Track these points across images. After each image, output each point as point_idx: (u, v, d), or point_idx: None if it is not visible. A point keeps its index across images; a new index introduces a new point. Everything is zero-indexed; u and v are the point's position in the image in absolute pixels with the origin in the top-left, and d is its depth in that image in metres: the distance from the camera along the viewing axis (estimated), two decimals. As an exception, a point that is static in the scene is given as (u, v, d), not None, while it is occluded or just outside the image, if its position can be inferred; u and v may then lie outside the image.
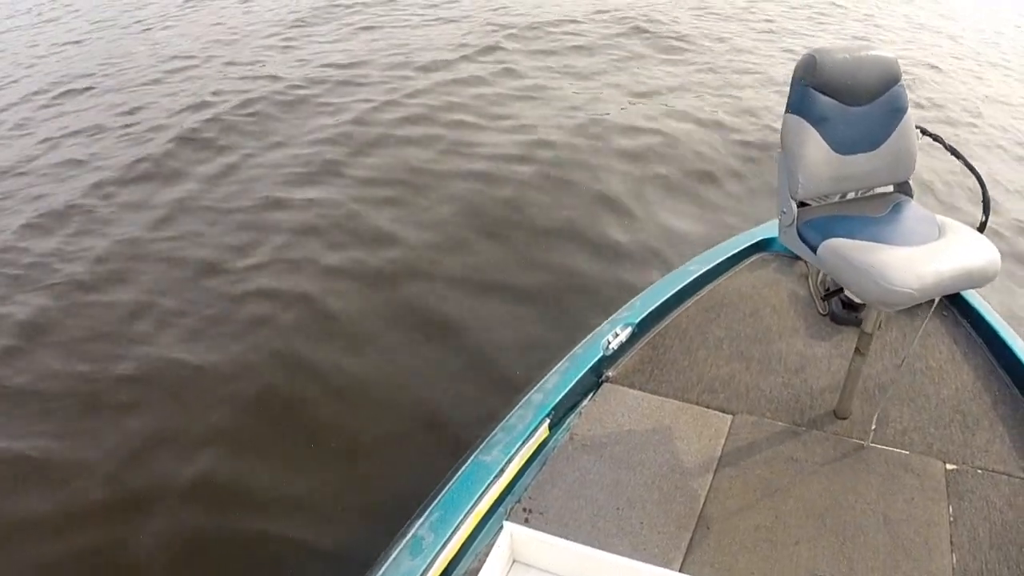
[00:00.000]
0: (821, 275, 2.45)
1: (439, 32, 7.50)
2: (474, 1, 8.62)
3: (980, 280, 1.66)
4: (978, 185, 2.27)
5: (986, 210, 2.23)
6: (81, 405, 2.79)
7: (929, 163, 4.44)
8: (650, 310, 2.33)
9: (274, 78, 6.14)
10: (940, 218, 1.80)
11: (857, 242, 1.66)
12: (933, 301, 1.72)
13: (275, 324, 3.19)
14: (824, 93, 1.75)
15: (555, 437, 2.01)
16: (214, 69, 6.60)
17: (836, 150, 1.78)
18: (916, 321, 2.40)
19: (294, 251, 3.74)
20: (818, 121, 1.75)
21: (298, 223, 3.98)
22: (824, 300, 2.26)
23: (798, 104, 1.76)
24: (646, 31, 7.44)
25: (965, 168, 2.28)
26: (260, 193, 4.30)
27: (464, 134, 4.98)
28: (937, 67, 6.97)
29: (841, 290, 2.21)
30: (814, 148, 1.75)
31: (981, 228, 2.26)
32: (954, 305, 2.46)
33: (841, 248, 1.67)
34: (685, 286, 2.45)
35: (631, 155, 4.71)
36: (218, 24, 8.31)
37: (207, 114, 5.42)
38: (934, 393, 2.16)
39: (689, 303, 2.48)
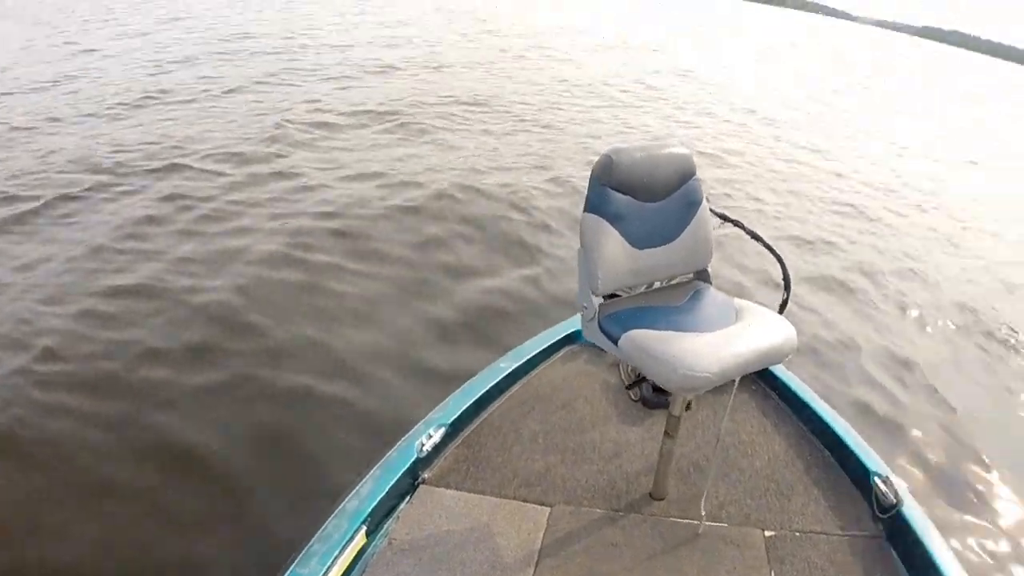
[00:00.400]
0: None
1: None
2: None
3: (777, 357, 1.70)
4: (779, 265, 2.42)
5: (787, 287, 2.37)
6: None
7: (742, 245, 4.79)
8: (463, 408, 2.23)
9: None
10: (737, 301, 1.87)
11: (657, 332, 1.66)
12: (735, 380, 1.74)
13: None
14: (621, 191, 1.79)
15: (373, 544, 1.83)
16: None
17: (634, 245, 1.81)
18: (724, 398, 2.45)
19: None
20: (615, 219, 1.78)
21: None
22: (632, 387, 2.24)
23: (596, 203, 1.78)
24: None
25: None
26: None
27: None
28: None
29: (645, 378, 2.21)
30: (612, 245, 1.78)
31: (783, 304, 2.40)
32: (762, 379, 2.54)
33: (641, 339, 1.66)
34: (498, 382, 2.37)
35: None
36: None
37: None
38: (748, 465, 2.16)
39: (502, 399, 2.40)
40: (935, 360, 4.18)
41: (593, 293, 1.78)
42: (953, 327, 4.69)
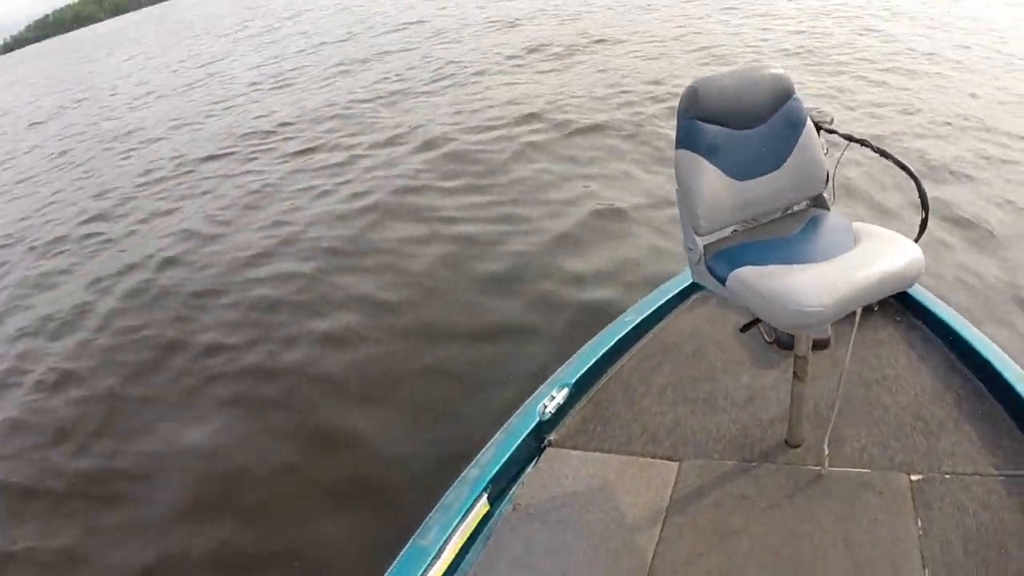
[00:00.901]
0: None
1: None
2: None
3: (901, 283, 1.55)
4: (912, 182, 2.23)
5: (924, 206, 2.15)
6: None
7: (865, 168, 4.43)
8: (588, 366, 2.24)
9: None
10: (857, 225, 1.72)
11: (765, 267, 1.57)
12: (856, 312, 1.61)
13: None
14: (711, 122, 1.70)
15: (498, 510, 1.89)
16: None
17: (735, 177, 1.71)
18: (865, 331, 2.31)
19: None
20: (709, 152, 1.69)
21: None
22: (746, 329, 2.10)
23: (686, 138, 1.70)
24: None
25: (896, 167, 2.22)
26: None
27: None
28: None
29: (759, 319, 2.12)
30: (710, 180, 1.69)
31: (922, 226, 2.20)
32: (908, 308, 2.36)
33: (748, 277, 1.57)
34: (623, 337, 2.36)
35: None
36: None
37: None
38: (892, 403, 2.02)
39: (630, 353, 2.39)
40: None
41: (696, 233, 1.71)
42: None
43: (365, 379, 3.46)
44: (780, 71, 1.79)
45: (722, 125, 1.72)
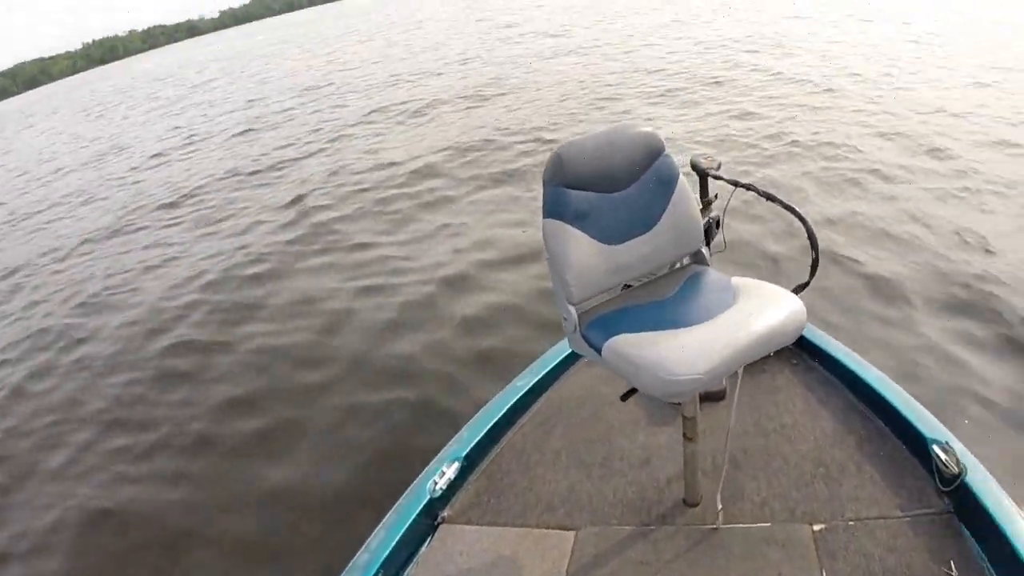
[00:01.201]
0: None
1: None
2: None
3: (782, 339, 1.47)
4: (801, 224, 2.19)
5: (814, 245, 2.11)
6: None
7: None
8: (479, 438, 2.12)
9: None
10: (736, 281, 1.65)
11: (640, 335, 1.49)
12: (738, 372, 1.53)
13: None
14: (578, 188, 1.62)
15: None
16: None
17: (606, 242, 1.63)
18: (766, 377, 2.25)
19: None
20: (577, 218, 1.60)
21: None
22: (626, 398, 1.91)
23: (552, 206, 1.61)
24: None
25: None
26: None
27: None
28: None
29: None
30: (580, 248, 1.60)
31: (814, 265, 2.16)
32: (803, 350, 2.31)
33: (622, 346, 1.48)
34: (515, 404, 2.25)
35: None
36: None
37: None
38: (792, 452, 1.95)
39: (522, 420, 2.27)
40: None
41: (570, 302, 1.62)
42: None
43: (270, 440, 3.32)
44: (648, 129, 1.73)
45: (589, 190, 1.63)
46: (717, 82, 9.03)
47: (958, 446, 1.73)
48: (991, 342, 3.19)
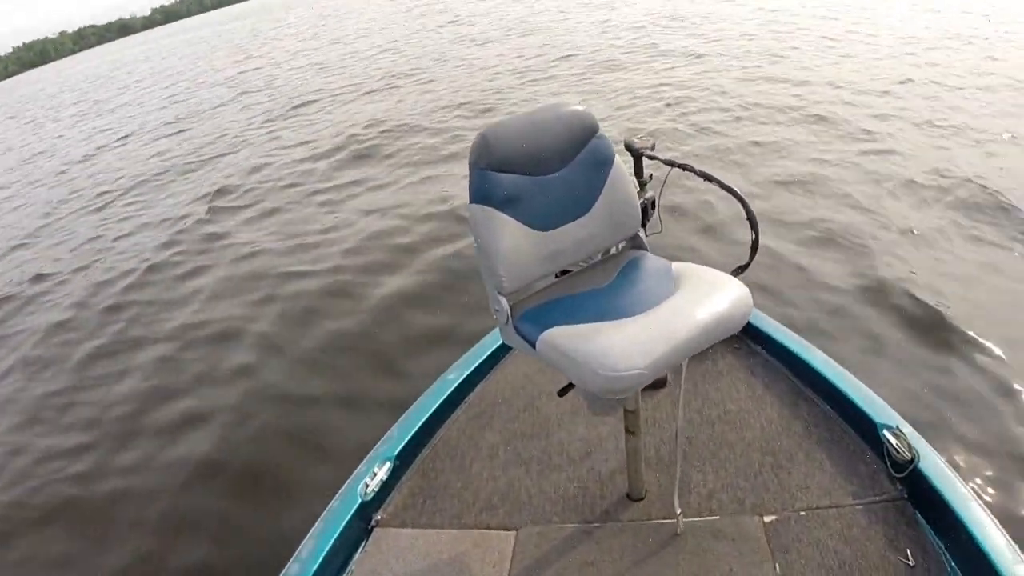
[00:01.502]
0: None
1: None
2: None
3: (728, 327, 1.36)
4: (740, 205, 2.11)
5: (753, 226, 2.02)
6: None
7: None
8: (411, 435, 1.98)
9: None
10: (677, 267, 1.54)
11: (576, 327, 1.37)
12: (683, 363, 1.45)
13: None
14: (506, 171, 1.49)
15: None
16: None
17: (538, 228, 1.51)
18: (707, 365, 2.16)
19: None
20: (506, 203, 1.47)
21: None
22: (563, 393, 1.77)
23: (479, 191, 1.48)
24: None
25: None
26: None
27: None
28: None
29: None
30: (510, 234, 1.47)
31: (754, 246, 2.08)
32: (745, 334, 2.23)
33: (557, 339, 1.36)
34: (447, 398, 2.11)
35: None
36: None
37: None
38: (738, 440, 1.86)
39: (456, 415, 2.14)
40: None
41: (500, 293, 1.48)
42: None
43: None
44: (581, 108, 1.60)
45: (519, 173, 1.50)
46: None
47: (908, 430, 1.67)
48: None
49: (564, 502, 1.78)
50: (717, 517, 1.64)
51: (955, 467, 1.62)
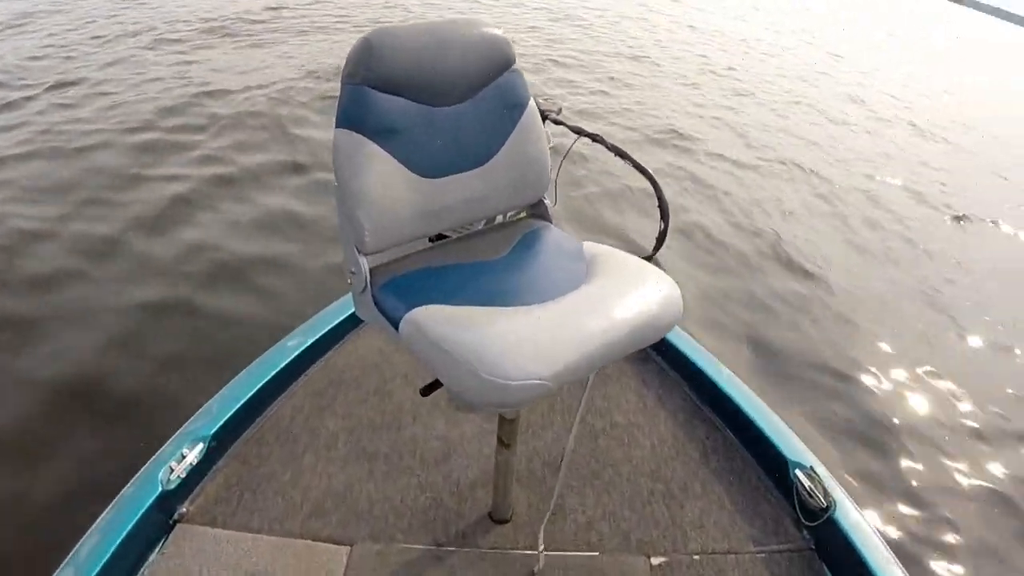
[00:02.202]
0: None
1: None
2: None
3: (652, 334, 1.06)
4: (651, 187, 1.87)
5: (664, 214, 1.80)
6: None
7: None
8: (232, 412, 1.57)
9: None
10: (589, 247, 1.23)
11: (456, 309, 1.03)
12: (589, 376, 1.16)
13: None
14: (390, 92, 1.11)
15: None
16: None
17: (421, 173, 1.14)
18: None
19: None
20: (383, 134, 1.10)
21: None
22: (428, 392, 1.39)
23: (350, 112, 1.09)
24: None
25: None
26: None
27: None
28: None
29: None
30: (383, 175, 1.10)
31: (661, 236, 1.86)
32: None
33: (429, 321, 1.01)
34: (283, 370, 1.72)
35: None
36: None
37: None
38: (624, 460, 1.62)
39: (291, 392, 1.75)
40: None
41: (360, 251, 1.11)
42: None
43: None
44: (497, 31, 1.25)
45: (406, 97, 1.13)
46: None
47: (823, 471, 1.48)
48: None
49: (412, 515, 1.45)
50: (596, 553, 1.39)
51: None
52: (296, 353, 1.75)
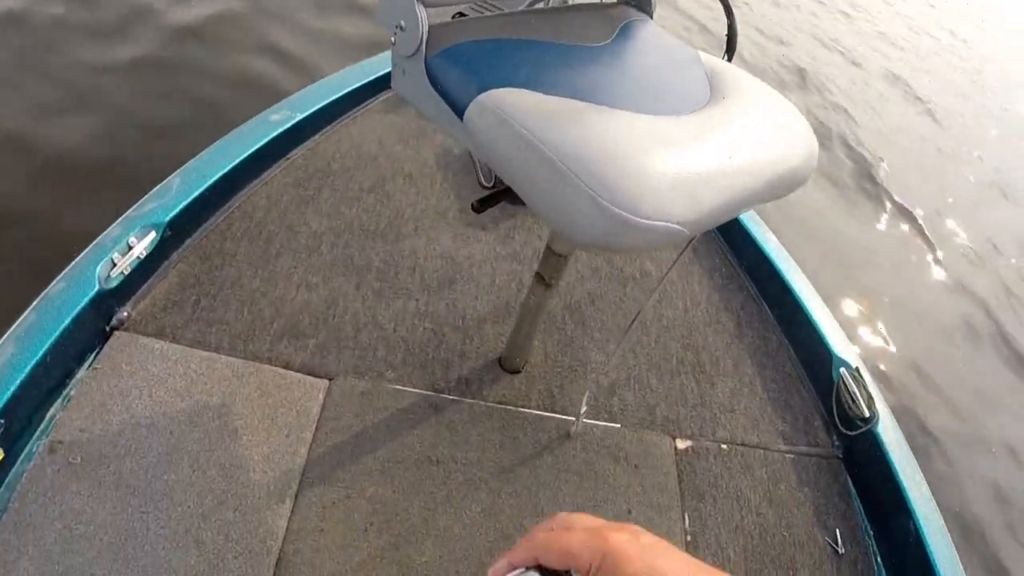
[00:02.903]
0: None
1: None
2: None
3: (784, 188, 0.76)
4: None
5: (728, 10, 1.43)
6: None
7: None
8: (197, 195, 1.25)
9: None
10: (706, 58, 0.88)
11: (562, 101, 0.69)
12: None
13: None
14: None
15: (27, 449, 0.98)
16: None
17: None
18: None
19: None
20: None
21: None
22: (483, 207, 1.02)
23: None
24: None
25: None
26: None
27: None
28: None
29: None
30: None
31: (731, 35, 1.49)
32: None
33: (520, 112, 0.66)
34: (262, 148, 1.39)
35: None
36: None
37: None
38: (655, 318, 1.40)
39: (269, 175, 1.45)
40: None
41: None
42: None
43: None
44: None
45: None
46: None
47: (868, 378, 1.28)
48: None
49: (407, 349, 1.22)
50: (618, 425, 1.19)
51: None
52: (279, 131, 1.41)
